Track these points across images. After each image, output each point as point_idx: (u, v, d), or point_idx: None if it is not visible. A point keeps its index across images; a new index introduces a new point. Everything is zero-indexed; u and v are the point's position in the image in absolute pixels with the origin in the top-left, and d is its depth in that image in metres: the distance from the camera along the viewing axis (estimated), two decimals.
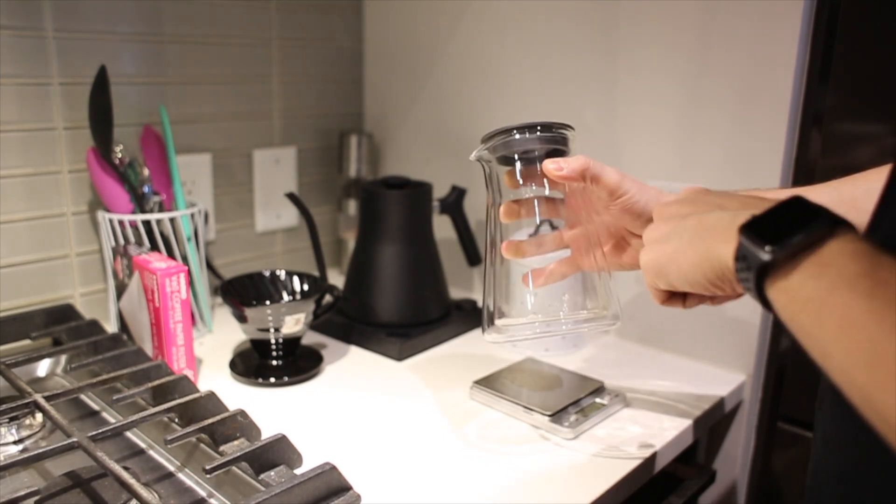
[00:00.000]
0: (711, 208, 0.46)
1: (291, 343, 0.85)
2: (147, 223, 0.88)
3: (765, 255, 0.38)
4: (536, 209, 0.65)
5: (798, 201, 0.39)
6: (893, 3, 0.73)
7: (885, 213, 0.41)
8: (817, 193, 0.59)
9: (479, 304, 1.01)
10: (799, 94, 0.78)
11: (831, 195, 0.58)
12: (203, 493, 0.60)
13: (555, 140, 0.63)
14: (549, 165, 0.60)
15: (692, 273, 0.46)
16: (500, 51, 1.02)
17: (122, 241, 0.87)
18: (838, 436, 0.45)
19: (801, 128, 0.79)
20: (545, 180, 0.63)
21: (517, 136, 0.62)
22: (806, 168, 0.80)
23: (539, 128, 0.62)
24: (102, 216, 0.88)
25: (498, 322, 0.65)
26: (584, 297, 0.64)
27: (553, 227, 0.69)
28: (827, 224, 0.37)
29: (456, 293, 1.06)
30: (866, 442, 0.36)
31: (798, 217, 0.38)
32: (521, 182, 0.64)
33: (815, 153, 0.80)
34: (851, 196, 0.57)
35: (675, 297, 0.54)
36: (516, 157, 0.63)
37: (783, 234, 0.37)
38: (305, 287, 0.90)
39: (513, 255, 0.65)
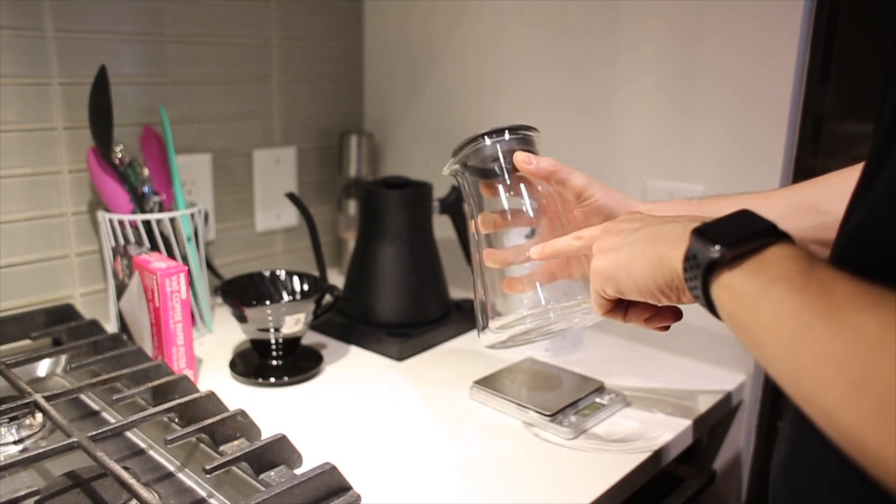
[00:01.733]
0: (663, 222, 0.49)
1: (291, 343, 0.85)
2: (147, 223, 0.88)
3: (713, 252, 0.40)
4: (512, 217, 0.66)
5: (747, 213, 0.42)
6: (893, 4, 0.73)
7: (852, 213, 0.43)
8: (779, 197, 0.62)
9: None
10: (799, 94, 0.78)
11: (791, 198, 0.61)
12: (203, 493, 0.60)
13: (524, 141, 0.65)
14: (520, 157, 0.62)
15: (642, 278, 0.48)
16: (499, 50, 1.02)
17: (122, 241, 0.87)
18: (787, 425, 0.47)
19: (801, 128, 0.79)
20: (521, 187, 0.65)
21: (487, 142, 0.64)
22: (806, 168, 0.80)
23: (507, 131, 0.64)
24: (102, 216, 0.88)
25: (491, 325, 0.66)
26: (573, 293, 0.65)
27: None
28: (772, 233, 0.40)
29: (456, 293, 1.06)
30: (804, 432, 0.37)
31: (746, 225, 0.41)
32: (502, 195, 0.66)
33: (815, 153, 0.80)
34: (811, 198, 0.60)
35: (618, 308, 0.55)
36: (489, 166, 0.65)
37: (732, 237, 0.40)
38: (305, 287, 0.90)
39: (494, 264, 0.66)
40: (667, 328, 0.56)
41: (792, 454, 0.46)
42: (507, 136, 0.64)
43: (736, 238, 0.40)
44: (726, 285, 0.40)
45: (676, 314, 0.56)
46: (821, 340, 0.32)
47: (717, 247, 0.40)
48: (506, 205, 0.66)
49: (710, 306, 0.42)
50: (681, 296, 0.47)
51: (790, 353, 0.34)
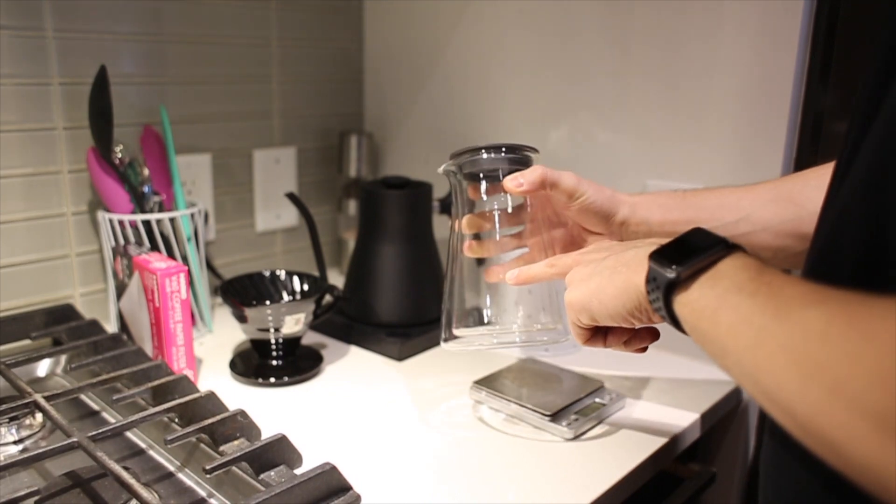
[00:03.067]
0: (627, 248, 0.52)
1: (291, 343, 0.85)
2: (147, 223, 0.88)
3: (670, 273, 0.43)
4: (497, 222, 0.69)
5: (699, 231, 0.45)
6: (893, 3, 0.73)
7: (825, 216, 0.44)
8: (760, 190, 0.65)
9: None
10: (799, 94, 0.78)
11: (772, 192, 0.64)
12: (203, 493, 0.60)
13: (519, 161, 0.66)
14: (509, 183, 0.64)
15: (613, 305, 0.51)
16: (499, 51, 1.02)
17: (122, 241, 0.87)
18: (768, 424, 0.49)
19: (801, 128, 0.79)
20: (507, 195, 0.67)
21: (484, 156, 0.66)
22: (806, 168, 0.79)
23: (504, 149, 0.66)
24: (102, 216, 0.88)
25: (455, 331, 0.68)
26: (538, 310, 0.68)
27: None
28: (723, 247, 0.42)
29: None
30: (776, 430, 0.39)
31: (698, 243, 0.44)
32: (484, 198, 0.68)
33: (815, 153, 0.79)
34: (789, 192, 0.63)
35: (598, 335, 0.58)
36: (481, 175, 0.67)
37: (685, 256, 0.43)
38: (305, 287, 0.90)
39: (474, 254, 0.69)
40: (645, 349, 0.59)
41: (768, 451, 0.47)
42: (503, 153, 0.66)
43: (689, 256, 0.43)
44: (686, 302, 0.43)
45: (654, 335, 0.59)
46: (774, 338, 0.34)
47: (674, 266, 0.43)
48: (492, 206, 0.69)
49: (676, 323, 0.45)
50: (651, 316, 0.49)
51: (748, 354, 0.36)
